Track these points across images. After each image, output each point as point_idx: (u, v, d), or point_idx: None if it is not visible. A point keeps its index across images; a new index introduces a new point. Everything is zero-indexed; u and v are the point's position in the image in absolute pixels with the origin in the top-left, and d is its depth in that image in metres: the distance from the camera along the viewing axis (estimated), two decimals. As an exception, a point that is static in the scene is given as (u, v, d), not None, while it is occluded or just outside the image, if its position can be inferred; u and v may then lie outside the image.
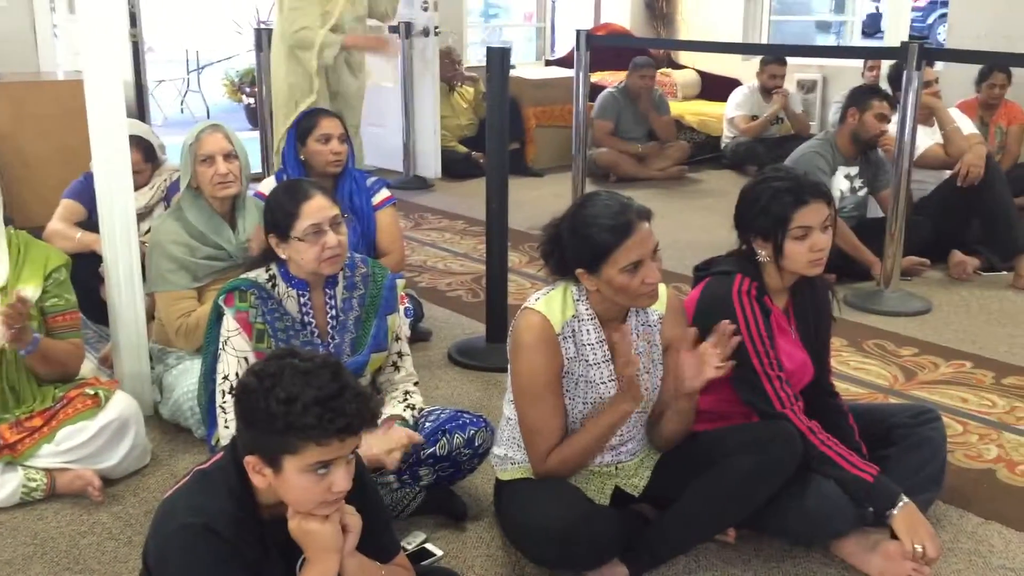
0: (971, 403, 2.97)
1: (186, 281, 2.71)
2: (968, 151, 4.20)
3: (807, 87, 7.33)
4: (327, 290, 2.22)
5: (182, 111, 9.87)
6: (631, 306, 2.02)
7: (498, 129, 3.18)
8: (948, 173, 4.28)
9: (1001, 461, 2.59)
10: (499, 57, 3.15)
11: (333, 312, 2.22)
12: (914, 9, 9.29)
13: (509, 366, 2.06)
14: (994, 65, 5.40)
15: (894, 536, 2.01)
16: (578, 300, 2.02)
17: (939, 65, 5.20)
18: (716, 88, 7.67)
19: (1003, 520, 2.29)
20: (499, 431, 2.18)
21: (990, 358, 3.33)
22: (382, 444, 2.07)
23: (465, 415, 2.28)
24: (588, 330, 2.02)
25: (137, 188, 3.17)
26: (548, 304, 2.01)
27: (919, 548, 1.97)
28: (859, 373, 3.21)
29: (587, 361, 2.02)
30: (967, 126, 4.52)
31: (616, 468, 2.13)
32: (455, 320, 3.70)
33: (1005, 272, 4.22)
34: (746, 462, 1.98)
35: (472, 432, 2.23)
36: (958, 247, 4.30)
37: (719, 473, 2.00)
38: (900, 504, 2.01)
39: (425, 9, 6.02)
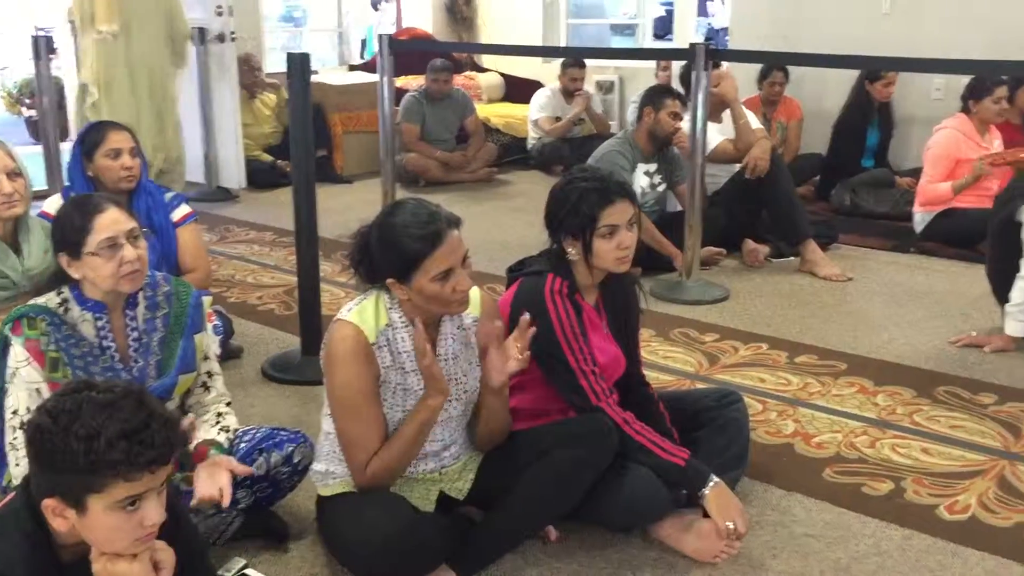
0: (769, 382, 3.16)
1: (-37, 313, 2.49)
2: (754, 146, 4.47)
3: (606, 88, 7.60)
4: (127, 311, 2.10)
5: (-47, 126, 9.12)
6: (443, 313, 2.03)
7: (303, 136, 3.11)
8: (737, 167, 4.54)
9: (798, 435, 2.77)
10: (299, 63, 3.08)
11: (136, 334, 2.10)
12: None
13: (325, 379, 2.02)
14: (774, 64, 5.79)
15: (707, 515, 2.11)
16: (391, 308, 2.00)
17: (724, 65, 5.51)
18: (520, 90, 7.82)
19: (803, 490, 2.44)
20: (318, 446, 2.13)
21: (784, 339, 3.56)
22: (213, 481, 1.97)
23: (282, 432, 2.21)
24: (403, 338, 2.00)
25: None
26: (361, 314, 1.99)
27: (730, 525, 2.07)
28: (667, 361, 3.35)
29: (404, 369, 2.01)
30: (753, 122, 4.81)
31: (440, 473, 2.12)
32: (268, 334, 3.59)
33: (793, 257, 4.52)
34: (566, 456, 2.03)
35: (290, 449, 2.17)
36: (750, 236, 4.57)
37: (540, 469, 2.03)
38: (710, 484, 2.11)
39: (219, 14, 5.82)
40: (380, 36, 4.65)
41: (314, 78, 3.39)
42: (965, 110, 4.75)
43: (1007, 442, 2.71)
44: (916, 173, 5.10)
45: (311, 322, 3.19)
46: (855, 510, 2.35)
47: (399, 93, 6.35)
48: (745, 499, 2.34)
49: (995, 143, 4.79)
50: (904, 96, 5.86)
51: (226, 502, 1.94)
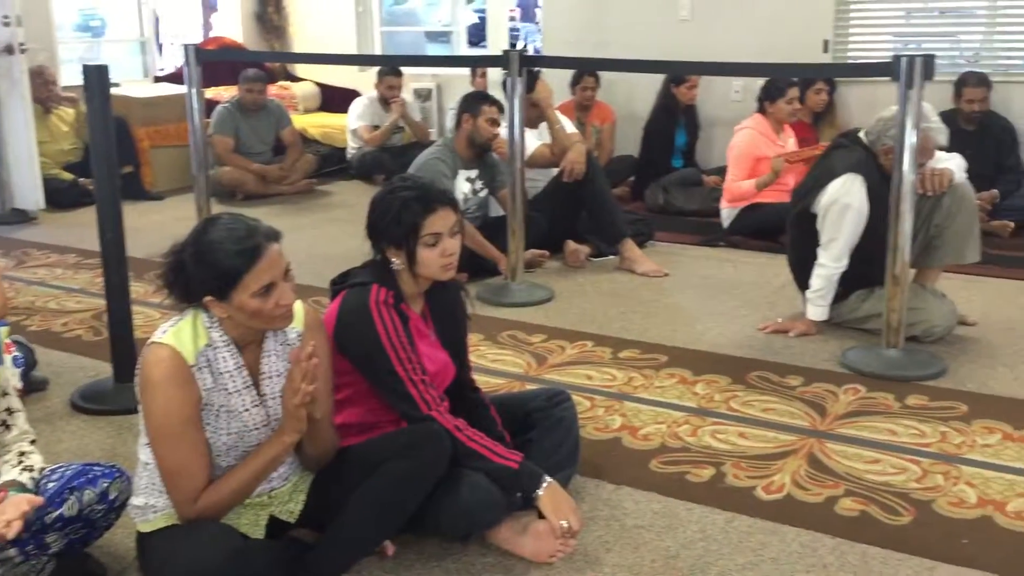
0: (595, 379, 3.24)
1: None
2: (570, 150, 4.58)
3: (423, 95, 7.60)
4: (-91, 349, 1.92)
5: None
6: (266, 329, 1.97)
7: (104, 152, 2.95)
8: (555, 171, 4.64)
9: (625, 429, 2.85)
10: (97, 75, 2.92)
11: (-78, 373, 1.93)
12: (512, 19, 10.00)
13: (141, 406, 1.91)
14: (585, 69, 5.96)
15: (542, 516, 2.13)
16: (210, 327, 1.93)
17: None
18: (336, 100, 7.72)
19: (631, 483, 2.51)
20: (136, 479, 2.02)
21: (607, 335, 3.65)
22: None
23: (96, 467, 2.07)
24: (225, 357, 1.93)
25: None
26: (178, 335, 1.90)
27: (564, 524, 2.10)
28: (496, 364, 3.37)
29: (227, 390, 1.93)
30: (568, 126, 4.93)
31: (269, 496, 2.06)
32: (76, 363, 3.38)
33: (612, 256, 4.66)
34: (398, 467, 2.01)
35: (105, 485, 2.03)
36: (571, 237, 4.68)
37: (374, 483, 2.00)
38: (544, 485, 2.14)
39: (7, 24, 5.44)
40: (185, 46, 4.48)
41: (116, 91, 3.23)
42: (761, 111, 5.05)
43: (814, 421, 2.89)
44: (721, 171, 5.37)
45: (123, 347, 3.02)
46: (681, 498, 2.44)
47: (210, 105, 6.14)
48: (578, 496, 2.38)
49: (790, 141, 5.12)
50: (706, 98, 6.15)
51: (11, 534, 1.79)
